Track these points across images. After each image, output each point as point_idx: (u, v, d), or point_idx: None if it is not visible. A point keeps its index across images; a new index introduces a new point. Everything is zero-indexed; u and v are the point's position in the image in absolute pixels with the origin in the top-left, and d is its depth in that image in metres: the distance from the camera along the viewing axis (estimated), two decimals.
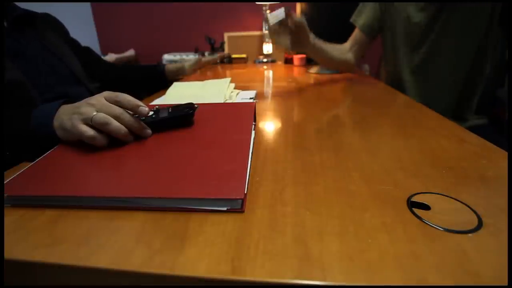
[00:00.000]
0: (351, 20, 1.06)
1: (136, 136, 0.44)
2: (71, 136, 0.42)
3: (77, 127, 0.40)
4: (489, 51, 0.84)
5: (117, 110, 0.42)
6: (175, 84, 0.87)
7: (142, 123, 0.44)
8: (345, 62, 1.03)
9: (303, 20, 0.80)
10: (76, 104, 0.43)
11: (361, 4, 1.05)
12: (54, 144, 0.44)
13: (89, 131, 0.40)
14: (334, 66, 1.01)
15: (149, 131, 0.45)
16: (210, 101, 0.68)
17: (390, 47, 1.02)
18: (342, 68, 1.07)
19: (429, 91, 0.93)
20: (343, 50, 1.03)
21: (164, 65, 0.99)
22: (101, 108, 0.41)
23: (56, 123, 0.43)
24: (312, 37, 0.85)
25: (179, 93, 0.81)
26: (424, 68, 0.92)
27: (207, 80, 0.90)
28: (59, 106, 0.45)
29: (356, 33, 1.05)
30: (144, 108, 0.44)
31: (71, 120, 0.41)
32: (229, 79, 0.85)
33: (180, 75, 1.03)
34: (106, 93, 0.44)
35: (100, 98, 0.43)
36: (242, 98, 0.76)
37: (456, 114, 0.91)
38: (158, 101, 0.75)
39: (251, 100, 0.74)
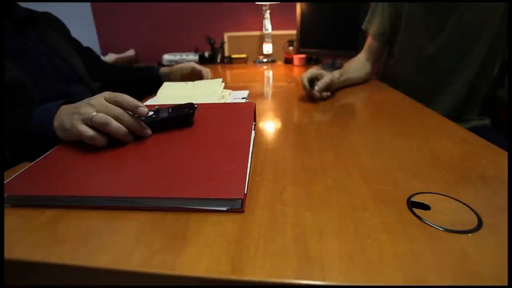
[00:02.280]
0: (363, 27, 1.05)
1: (136, 136, 0.44)
2: (71, 136, 0.42)
3: (76, 127, 0.40)
4: (498, 52, 0.84)
5: (117, 110, 0.42)
6: (165, 84, 0.84)
7: (142, 123, 0.44)
8: (366, 76, 1.01)
9: (327, 79, 0.78)
10: (76, 104, 0.44)
11: (370, 11, 1.03)
12: (54, 144, 0.44)
13: (89, 131, 0.40)
14: (360, 83, 1.01)
15: (149, 131, 0.45)
16: (204, 101, 0.67)
17: (400, 48, 1.00)
18: (365, 80, 1.06)
19: (437, 92, 0.92)
20: (361, 65, 1.01)
21: (158, 67, 0.97)
22: (101, 108, 0.41)
23: (56, 123, 0.43)
24: (336, 76, 0.83)
25: (170, 94, 0.79)
26: (434, 69, 0.92)
27: (198, 81, 0.89)
28: (59, 106, 0.45)
29: (370, 42, 1.03)
30: (143, 109, 0.44)
31: (71, 120, 0.41)
32: (220, 79, 0.84)
33: (173, 77, 0.97)
34: (106, 94, 0.44)
35: (100, 99, 0.43)
36: (235, 98, 0.76)
37: (461, 115, 0.91)
38: (149, 103, 0.74)
39: (244, 100, 0.74)
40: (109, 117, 0.41)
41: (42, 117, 0.45)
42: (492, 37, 0.82)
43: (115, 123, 0.41)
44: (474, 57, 0.85)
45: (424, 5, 0.88)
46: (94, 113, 0.40)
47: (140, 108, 0.43)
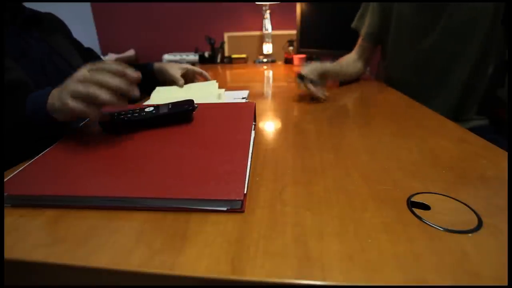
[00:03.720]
0: (353, 26, 1.05)
1: (136, 134, 0.44)
2: (64, 115, 0.42)
3: (68, 105, 0.40)
4: (492, 51, 0.84)
5: (102, 78, 0.41)
6: (158, 88, 0.81)
7: (129, 83, 0.43)
8: (357, 73, 1.03)
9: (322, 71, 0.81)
10: (63, 84, 0.43)
11: (361, 9, 1.03)
12: (54, 131, 0.44)
13: (79, 106, 0.40)
14: (351, 80, 1.02)
15: (137, 90, 0.44)
16: (202, 101, 0.66)
17: (392, 49, 1.01)
18: (356, 78, 1.07)
19: (431, 93, 0.92)
20: (351, 61, 1.03)
21: (153, 63, 0.95)
22: (86, 80, 0.41)
23: (48, 107, 0.44)
24: (327, 68, 0.85)
25: (164, 97, 0.76)
26: (426, 69, 0.92)
27: (191, 84, 0.85)
28: (50, 91, 0.45)
29: (360, 42, 1.04)
30: (132, 72, 0.43)
31: (61, 99, 0.41)
32: (214, 81, 0.81)
33: (164, 76, 0.91)
34: (89, 66, 0.43)
35: (84, 72, 0.42)
36: (235, 98, 0.75)
37: (459, 115, 0.91)
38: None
39: (244, 100, 0.73)
40: (97, 90, 0.40)
41: (35, 103, 0.45)
42: (483, 37, 0.82)
43: (104, 94, 0.40)
44: (466, 56, 0.85)
45: (413, 5, 0.89)
46: (81, 88, 0.40)
47: (127, 71, 0.42)
